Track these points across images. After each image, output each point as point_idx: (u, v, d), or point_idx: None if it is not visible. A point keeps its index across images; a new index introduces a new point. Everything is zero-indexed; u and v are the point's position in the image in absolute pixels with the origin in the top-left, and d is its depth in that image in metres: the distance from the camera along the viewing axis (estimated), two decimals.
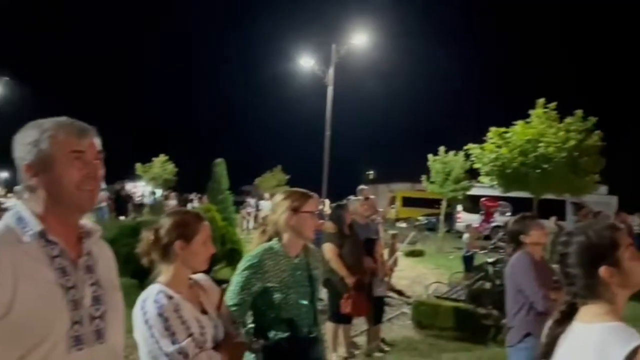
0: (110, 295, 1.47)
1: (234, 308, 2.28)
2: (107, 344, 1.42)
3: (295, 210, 2.46)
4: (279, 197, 2.59)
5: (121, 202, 19.23)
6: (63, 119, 1.40)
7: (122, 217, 17.58)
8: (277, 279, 2.39)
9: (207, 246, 2.03)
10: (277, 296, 2.37)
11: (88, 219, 1.54)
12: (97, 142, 1.43)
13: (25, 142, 1.35)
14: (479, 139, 14.28)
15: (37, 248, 1.31)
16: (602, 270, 1.48)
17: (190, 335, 1.82)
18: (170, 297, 1.86)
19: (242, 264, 2.42)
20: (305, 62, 20.70)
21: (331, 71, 19.86)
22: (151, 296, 1.86)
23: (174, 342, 1.78)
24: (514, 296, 3.36)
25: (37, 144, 1.33)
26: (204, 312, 1.98)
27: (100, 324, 1.40)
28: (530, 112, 13.15)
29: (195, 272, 2.07)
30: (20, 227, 1.32)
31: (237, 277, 2.39)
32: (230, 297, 2.30)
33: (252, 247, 2.57)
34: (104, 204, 15.54)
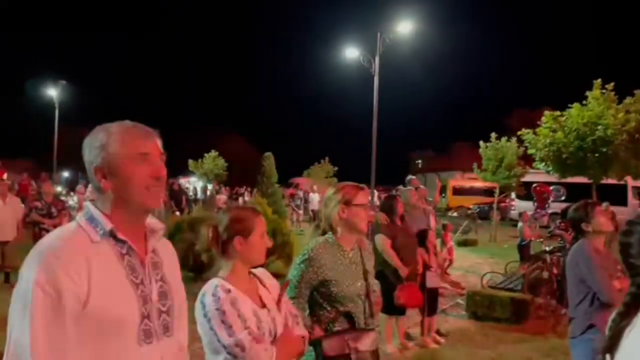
0: (175, 291, 1.53)
1: (292, 301, 2.32)
2: (173, 337, 1.49)
3: (347, 203, 2.48)
4: (330, 191, 2.61)
5: (176, 198, 19.74)
6: (127, 122, 1.46)
7: (177, 213, 18.07)
8: (333, 272, 2.42)
9: (264, 240, 2.07)
10: (334, 289, 2.40)
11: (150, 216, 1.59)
12: (160, 143, 1.48)
13: (94, 146, 1.41)
14: (532, 124, 13.82)
15: (107, 246, 1.38)
16: None
17: (247, 328, 1.86)
18: (228, 291, 1.91)
19: (298, 258, 2.46)
20: (351, 53, 20.57)
21: (377, 61, 19.65)
22: (210, 290, 1.92)
23: (230, 335, 1.83)
24: (576, 286, 3.25)
25: (105, 148, 1.40)
26: (262, 306, 2.02)
27: (167, 318, 1.47)
28: (587, 93, 12.60)
29: (254, 266, 2.12)
30: (91, 226, 1.39)
31: (294, 271, 2.43)
32: (288, 290, 2.34)
33: (306, 241, 2.60)
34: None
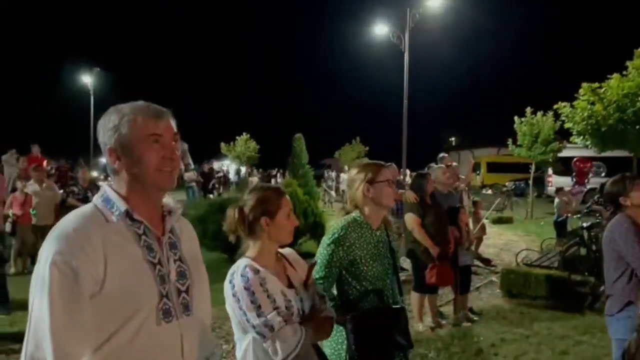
0: (193, 270, 1.54)
1: (320, 281, 2.32)
2: (193, 315, 1.50)
3: (370, 181, 2.48)
4: (353, 171, 2.60)
5: (208, 181, 20.05)
6: (140, 103, 1.46)
7: (210, 196, 18.36)
8: (362, 252, 2.42)
9: (290, 219, 2.06)
10: (363, 268, 2.40)
11: (180, 198, 1.60)
12: (173, 124, 1.48)
13: (107, 128, 1.43)
14: (569, 96, 13.35)
15: (123, 227, 1.39)
16: None
17: (276, 308, 1.87)
18: (256, 271, 1.92)
19: (326, 238, 2.46)
20: (380, 30, 20.26)
21: (407, 37, 19.30)
22: (239, 270, 1.94)
23: (259, 315, 1.85)
24: (613, 263, 3.15)
25: (118, 129, 1.40)
26: (290, 285, 2.03)
27: (186, 297, 1.48)
28: (627, 63, 12.07)
29: (281, 246, 2.13)
30: (107, 207, 1.41)
31: (322, 251, 2.43)
32: (317, 270, 2.35)
33: (333, 222, 2.60)
34: (193, 184, 16.28)
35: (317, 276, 2.32)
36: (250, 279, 1.89)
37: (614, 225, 3.18)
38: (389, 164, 2.61)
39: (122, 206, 1.40)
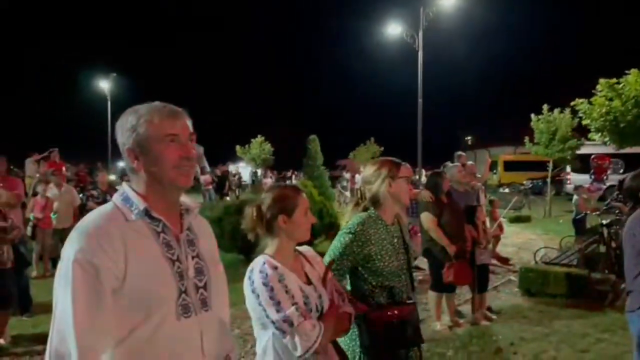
0: (211, 267, 1.57)
1: (333, 272, 2.32)
2: (212, 311, 1.53)
3: (393, 177, 2.51)
4: (371, 168, 2.61)
5: (224, 184, 20.18)
6: (157, 103, 1.49)
7: (227, 198, 18.46)
8: (378, 247, 2.44)
9: (308, 217, 2.09)
10: (379, 264, 2.42)
11: (197, 200, 1.64)
12: (189, 123, 1.51)
13: (125, 128, 1.46)
14: (587, 93, 13.17)
15: (142, 225, 1.43)
16: None
17: (294, 304, 1.89)
18: (275, 268, 1.94)
19: (342, 231, 2.48)
20: (394, 29, 20.22)
21: (420, 35, 19.24)
22: (257, 267, 1.96)
23: (278, 311, 1.87)
24: (633, 258, 3.10)
25: (135, 129, 1.44)
26: (308, 282, 2.05)
27: (204, 293, 1.51)
28: None
29: (299, 243, 2.15)
30: (126, 206, 1.44)
31: (336, 243, 2.45)
32: (326, 260, 2.36)
33: (346, 219, 2.61)
34: (210, 187, 16.39)
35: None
36: (268, 275, 1.91)
37: (634, 220, 3.14)
38: (404, 162, 2.64)
39: (141, 205, 1.43)
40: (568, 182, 20.84)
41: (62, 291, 1.31)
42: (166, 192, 1.48)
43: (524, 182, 22.07)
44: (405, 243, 2.59)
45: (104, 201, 8.02)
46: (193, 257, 1.51)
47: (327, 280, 2.12)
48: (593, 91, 12.75)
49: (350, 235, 2.43)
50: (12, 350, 4.92)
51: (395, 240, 2.52)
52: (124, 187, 1.50)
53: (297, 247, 2.16)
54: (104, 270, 1.31)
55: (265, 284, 1.90)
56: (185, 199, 1.58)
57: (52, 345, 1.30)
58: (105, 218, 1.40)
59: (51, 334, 1.31)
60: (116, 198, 1.48)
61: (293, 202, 2.05)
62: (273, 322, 1.88)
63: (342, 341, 2.40)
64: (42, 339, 1.35)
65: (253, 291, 1.92)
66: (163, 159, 1.43)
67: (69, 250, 1.33)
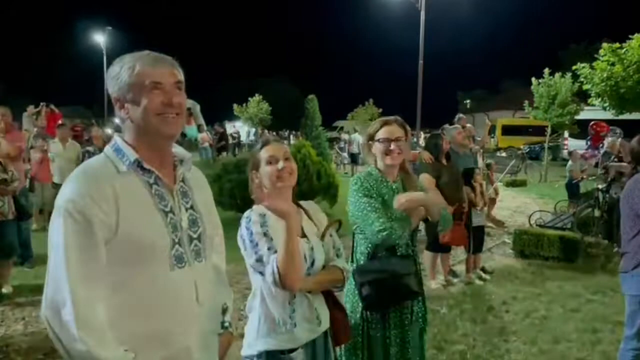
0: (205, 218, 1.58)
1: (384, 232, 2.31)
2: (206, 262, 1.56)
3: (372, 139, 2.54)
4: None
5: (221, 142, 20.15)
6: (143, 52, 1.47)
7: (224, 154, 18.45)
8: (379, 201, 2.44)
9: (272, 165, 2.04)
10: None
11: (192, 157, 1.63)
12: (177, 71, 1.48)
13: (111, 77, 1.45)
14: (589, 57, 13.02)
15: (134, 176, 1.43)
16: None
17: (271, 248, 1.92)
18: (262, 215, 1.99)
19: (352, 189, 2.47)
20: None
21: None
22: (246, 214, 2.04)
23: (256, 252, 1.94)
24: (630, 220, 3.13)
25: (119, 77, 1.43)
26: (303, 235, 2.08)
27: (198, 244, 1.53)
28: None
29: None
30: (118, 157, 1.44)
31: (357, 204, 2.43)
32: (372, 223, 2.35)
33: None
34: (206, 144, 16.30)
35: (380, 228, 2.30)
36: (252, 220, 1.98)
37: (635, 182, 3.15)
38: (394, 117, 2.60)
39: (132, 155, 1.43)
40: (565, 147, 20.86)
41: (55, 241, 1.32)
42: (153, 141, 1.46)
43: (521, 147, 22.09)
44: None
45: None
46: (187, 209, 1.52)
47: (325, 237, 2.14)
48: (595, 55, 12.62)
49: (358, 190, 2.44)
50: (15, 300, 5.04)
51: (397, 194, 2.53)
52: (116, 138, 1.49)
53: (301, 202, 2.19)
54: (96, 221, 1.31)
55: (247, 228, 1.97)
56: (178, 149, 1.57)
57: (47, 294, 1.32)
58: (96, 169, 1.40)
59: (46, 283, 1.33)
60: (107, 149, 1.48)
61: (258, 156, 2.09)
62: (251, 265, 1.97)
63: (344, 297, 2.47)
64: (43, 289, 1.37)
65: (240, 237, 2.00)
66: (145, 106, 1.41)
67: (60, 201, 1.33)
